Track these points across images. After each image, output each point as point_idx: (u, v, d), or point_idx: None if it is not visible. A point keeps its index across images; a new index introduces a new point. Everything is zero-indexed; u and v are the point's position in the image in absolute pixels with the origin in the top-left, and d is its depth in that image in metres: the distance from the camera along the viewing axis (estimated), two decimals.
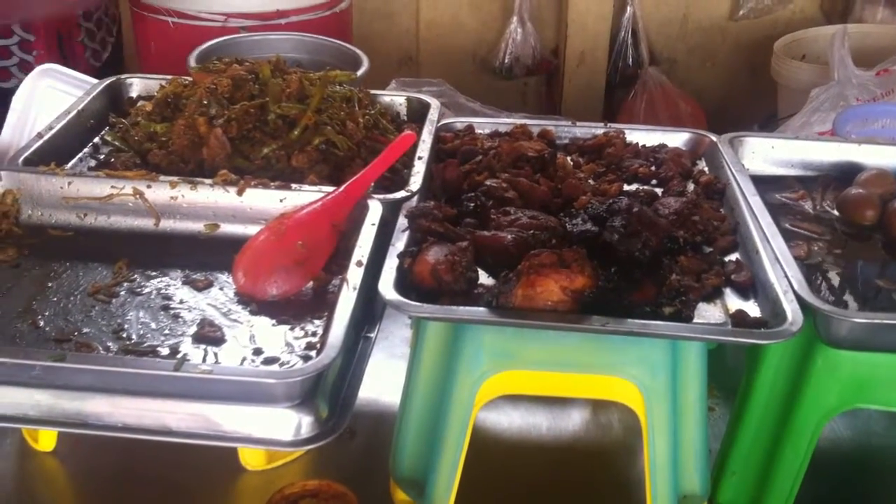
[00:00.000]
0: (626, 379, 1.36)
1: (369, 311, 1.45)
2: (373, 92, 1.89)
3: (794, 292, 1.31)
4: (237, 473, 1.56)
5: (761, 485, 1.48)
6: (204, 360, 1.26)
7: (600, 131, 1.85)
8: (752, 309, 1.37)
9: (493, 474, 1.59)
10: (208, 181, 1.55)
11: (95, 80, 1.97)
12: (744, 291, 1.41)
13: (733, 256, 1.49)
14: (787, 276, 1.35)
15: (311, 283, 1.41)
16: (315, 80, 1.72)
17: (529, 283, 1.28)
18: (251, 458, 1.56)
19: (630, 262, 1.34)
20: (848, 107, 2.68)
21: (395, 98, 1.91)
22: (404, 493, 1.47)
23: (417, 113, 1.87)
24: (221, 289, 1.42)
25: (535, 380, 1.40)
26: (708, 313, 1.37)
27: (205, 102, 1.66)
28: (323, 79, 1.73)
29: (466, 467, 1.41)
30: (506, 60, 3.69)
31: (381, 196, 1.52)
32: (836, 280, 1.47)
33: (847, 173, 1.76)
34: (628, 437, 1.66)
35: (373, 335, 1.42)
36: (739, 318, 1.33)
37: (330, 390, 1.26)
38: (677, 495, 1.44)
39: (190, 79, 1.81)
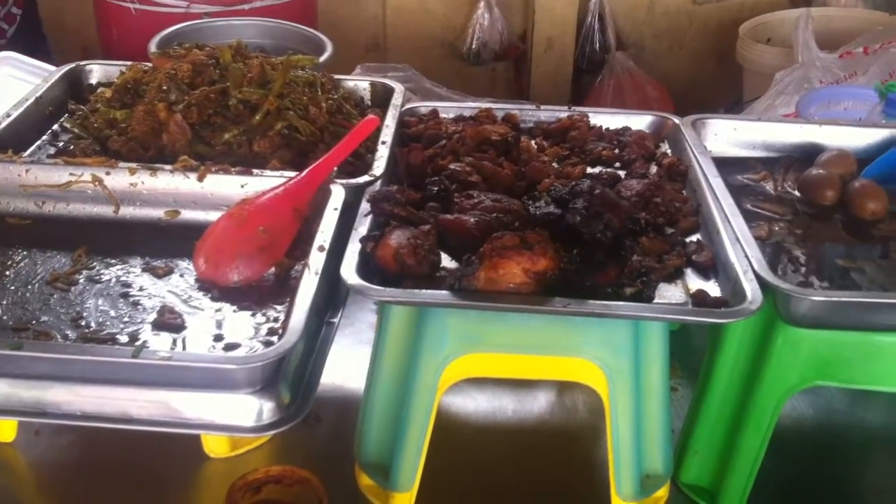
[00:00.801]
0: (589, 360, 1.36)
1: (333, 296, 1.44)
2: (336, 77, 1.88)
3: (754, 272, 1.32)
4: (201, 461, 1.56)
5: (723, 463, 1.49)
6: (166, 347, 1.25)
7: (564, 115, 1.85)
8: (713, 289, 1.38)
9: (459, 458, 1.59)
10: (168, 167, 1.54)
11: (54, 68, 1.95)
12: (705, 272, 1.42)
13: (695, 237, 1.50)
14: (746, 256, 1.36)
15: (273, 269, 1.40)
16: (277, 64, 1.71)
17: (492, 266, 1.28)
18: (215, 446, 1.55)
19: (592, 244, 1.34)
20: (811, 89, 2.70)
21: (358, 83, 1.90)
22: (369, 477, 1.47)
23: (382, 98, 1.87)
24: (182, 276, 1.41)
25: (498, 362, 1.40)
26: (669, 294, 1.38)
27: (165, 88, 1.65)
28: (285, 63, 1.71)
29: (432, 451, 1.41)
30: (473, 46, 3.68)
31: (343, 181, 1.51)
32: (796, 259, 1.48)
33: (808, 154, 1.77)
34: (593, 418, 1.66)
35: (336, 320, 1.42)
36: (700, 298, 1.34)
37: (292, 376, 1.26)
38: (640, 475, 1.45)
39: (150, 65, 1.79)
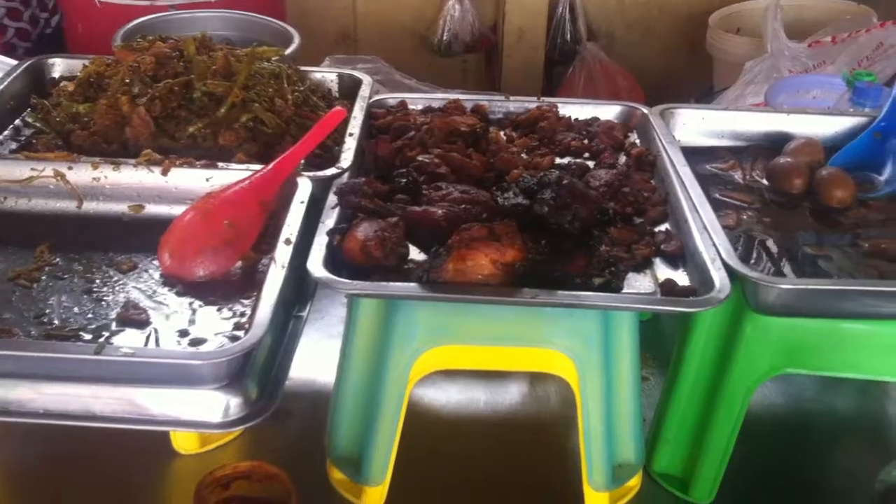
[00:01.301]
0: (559, 351, 1.36)
1: (301, 290, 1.43)
2: (304, 69, 1.86)
3: (722, 260, 1.32)
4: (170, 457, 1.54)
5: (695, 451, 1.50)
6: (130, 343, 1.24)
7: (533, 105, 1.84)
8: (682, 278, 1.38)
9: (432, 450, 1.59)
10: (131, 161, 1.52)
11: (15, 62, 1.92)
12: (673, 261, 1.42)
13: (663, 227, 1.50)
14: (715, 245, 1.36)
15: (239, 263, 1.39)
16: (242, 56, 1.69)
17: (460, 257, 1.28)
18: (184, 442, 1.54)
19: (561, 235, 1.34)
20: (780, 78, 2.70)
21: (326, 75, 1.88)
22: (341, 471, 1.46)
23: (349, 90, 1.85)
24: (147, 271, 1.39)
25: (468, 354, 1.40)
26: (638, 283, 1.38)
27: (127, 81, 1.62)
28: (250, 55, 1.69)
29: (404, 444, 1.41)
30: (444, 37, 3.66)
31: (310, 173, 1.50)
32: (764, 248, 1.49)
33: (777, 143, 1.78)
34: (565, 408, 1.66)
35: (304, 314, 1.41)
36: (668, 287, 1.34)
37: (259, 370, 1.24)
38: (612, 464, 1.45)
39: (114, 58, 1.76)
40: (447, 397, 1.71)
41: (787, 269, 1.44)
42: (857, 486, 1.40)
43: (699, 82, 3.66)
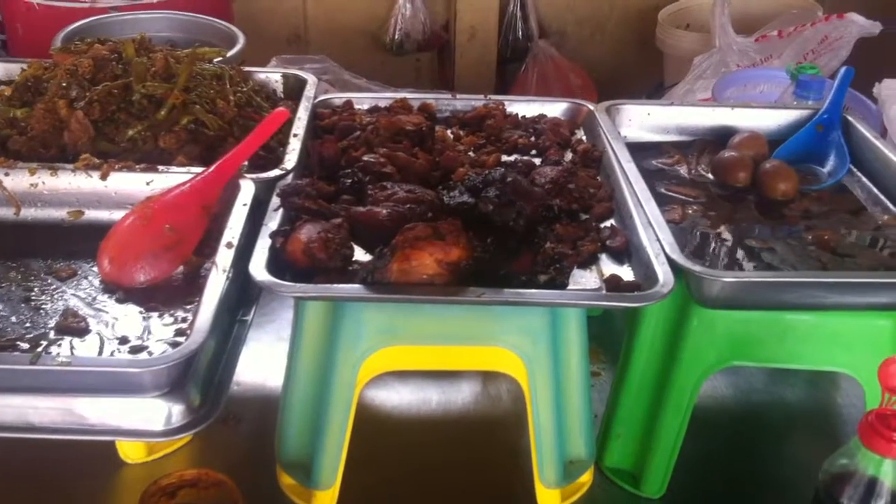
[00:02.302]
0: (508, 349, 1.36)
1: (245, 293, 1.41)
2: (247, 69, 1.83)
3: (666, 255, 1.33)
4: (117, 467, 1.51)
5: (645, 445, 1.50)
6: (69, 352, 1.21)
7: (480, 103, 1.84)
8: (627, 273, 1.38)
9: (383, 452, 1.58)
10: (69, 166, 1.49)
11: None
12: (619, 256, 1.42)
13: (609, 223, 1.50)
14: (659, 240, 1.36)
15: (181, 268, 1.37)
16: (182, 57, 1.66)
17: (404, 257, 1.27)
18: (130, 451, 1.51)
19: (506, 232, 1.34)
20: (727, 73, 2.73)
21: (270, 75, 1.86)
22: (290, 476, 1.44)
23: (294, 90, 1.83)
24: (86, 277, 1.36)
25: (417, 355, 1.39)
26: (584, 279, 1.38)
27: (65, 85, 1.59)
28: (190, 56, 1.67)
29: (355, 447, 1.39)
30: (396, 37, 3.65)
31: (254, 175, 1.48)
32: (709, 241, 1.50)
33: (722, 137, 1.79)
34: (517, 406, 1.66)
35: (249, 318, 1.38)
36: (613, 283, 1.34)
37: (202, 376, 1.22)
38: (564, 461, 1.45)
39: (51, 61, 1.73)
40: (399, 398, 1.70)
41: (731, 262, 1.45)
42: (806, 475, 1.40)
43: (650, 78, 3.69)
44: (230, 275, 1.28)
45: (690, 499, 1.51)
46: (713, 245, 1.49)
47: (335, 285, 1.27)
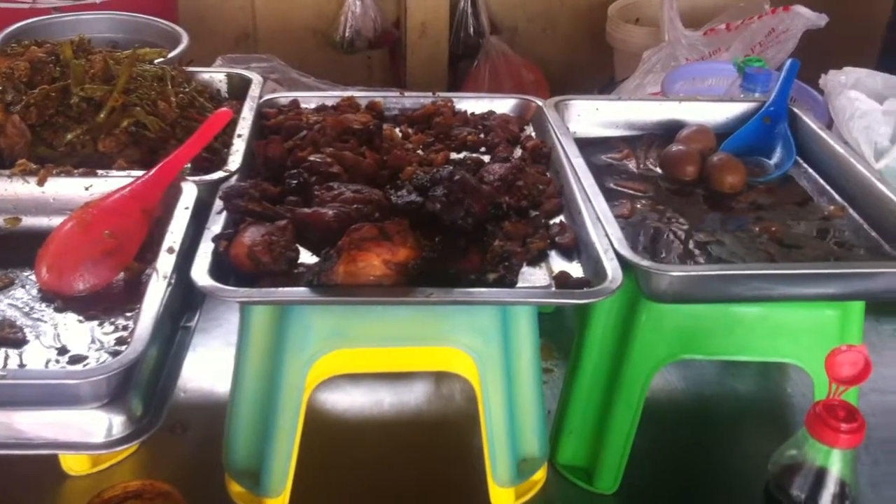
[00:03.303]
0: (458, 348, 1.34)
1: (189, 299, 1.38)
2: (191, 69, 1.80)
3: (614, 250, 1.32)
4: (59, 479, 1.47)
5: (597, 441, 1.50)
6: (4, 364, 1.17)
7: (429, 101, 1.83)
8: (576, 269, 1.37)
9: (335, 455, 1.56)
10: (6, 172, 1.45)
11: None
12: (568, 253, 1.41)
13: (559, 219, 1.49)
14: (607, 235, 1.36)
15: (122, 275, 1.33)
16: (122, 59, 1.63)
17: (351, 259, 1.25)
18: (73, 463, 1.47)
19: (454, 231, 1.32)
20: (676, 67, 2.74)
21: (214, 75, 1.83)
22: (239, 485, 1.42)
23: (239, 90, 1.80)
24: (24, 286, 1.32)
25: (366, 357, 1.37)
26: (534, 277, 1.37)
27: (0, 88, 1.54)
28: (130, 57, 1.63)
29: (305, 452, 1.37)
30: (346, 34, 3.63)
31: (196, 178, 1.45)
32: (658, 236, 1.49)
33: (670, 131, 1.79)
34: (470, 406, 1.64)
35: (192, 324, 1.36)
36: (562, 280, 1.33)
37: (144, 386, 1.19)
38: (517, 460, 1.44)
39: None
40: (351, 400, 1.68)
41: (679, 255, 1.45)
42: (758, 466, 1.41)
43: (602, 73, 3.70)
44: (172, 280, 1.25)
45: (644, 493, 1.51)
46: (662, 239, 1.49)
47: (280, 289, 1.24)
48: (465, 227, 1.33)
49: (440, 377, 1.73)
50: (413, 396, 1.70)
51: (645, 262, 1.31)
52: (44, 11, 2.39)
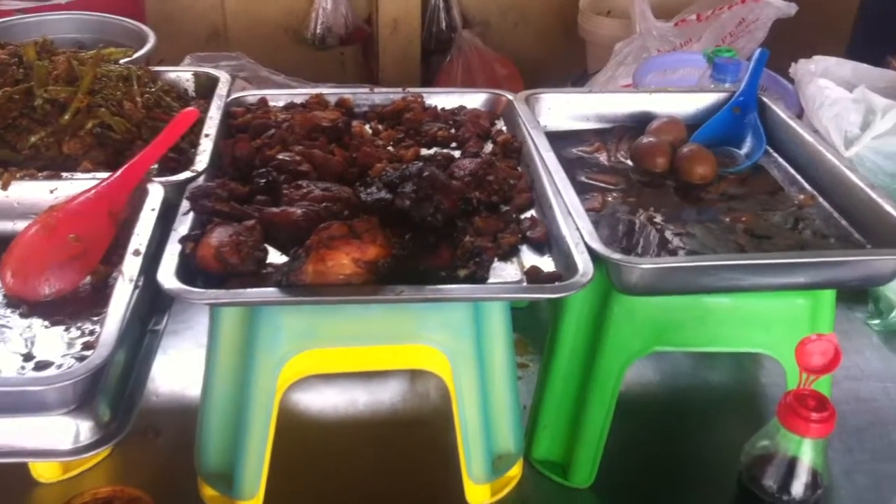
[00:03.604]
0: (431, 346, 1.34)
1: (157, 301, 1.36)
2: (157, 69, 1.78)
3: (585, 244, 1.32)
4: (30, 487, 1.45)
5: (572, 435, 1.50)
6: None
7: (399, 97, 1.82)
8: (548, 264, 1.37)
9: (310, 456, 1.55)
10: None
11: None
12: (539, 247, 1.41)
13: (530, 213, 1.49)
14: (578, 229, 1.35)
15: (88, 279, 1.32)
16: (86, 59, 1.60)
17: (319, 258, 1.23)
18: (44, 470, 1.46)
19: (424, 228, 1.31)
20: (647, 59, 2.74)
21: (181, 74, 1.81)
22: (212, 488, 1.41)
23: (207, 88, 1.78)
24: None
25: (339, 356, 1.36)
26: (505, 272, 1.37)
27: None
28: (95, 58, 1.61)
29: (280, 453, 1.36)
30: (318, 31, 3.60)
31: (162, 179, 1.43)
32: (629, 228, 1.49)
33: (641, 123, 1.79)
34: (445, 403, 1.63)
35: (161, 327, 1.34)
36: (533, 274, 1.33)
37: (112, 391, 1.18)
38: (492, 456, 1.44)
39: None
40: (324, 400, 1.66)
41: (650, 248, 1.44)
42: (733, 456, 1.41)
43: (575, 66, 3.70)
44: (139, 283, 1.24)
45: (619, 486, 1.51)
46: (633, 232, 1.49)
47: (248, 290, 1.23)
48: (435, 224, 1.31)
49: (415, 375, 1.72)
50: (388, 395, 1.69)
51: (615, 256, 1.30)
52: (7, 13, 2.35)
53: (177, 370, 1.67)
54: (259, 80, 2.73)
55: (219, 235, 1.28)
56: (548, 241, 1.41)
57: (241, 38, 3.65)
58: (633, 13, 3.10)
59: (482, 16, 3.87)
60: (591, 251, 1.31)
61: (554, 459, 1.53)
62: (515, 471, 1.49)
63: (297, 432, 1.57)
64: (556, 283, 1.29)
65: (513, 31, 3.92)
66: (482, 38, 3.79)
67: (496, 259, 1.37)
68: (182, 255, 1.28)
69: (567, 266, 1.31)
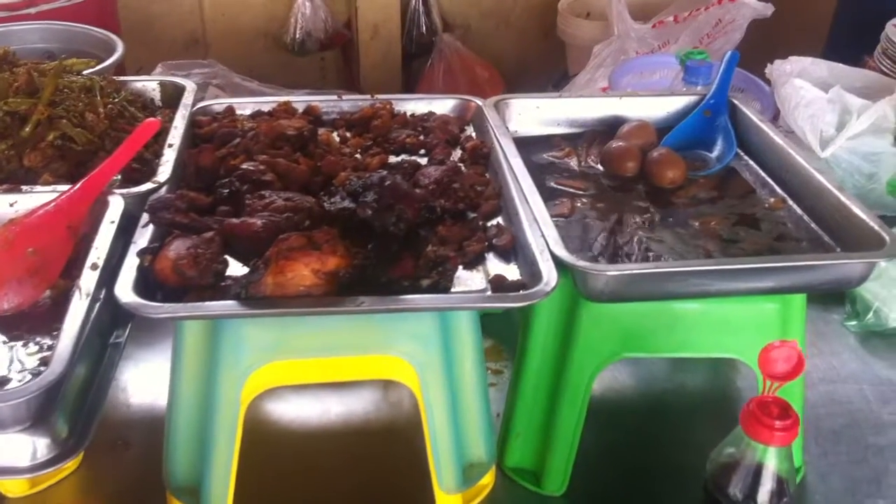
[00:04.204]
0: (397, 356, 1.32)
1: (119, 315, 1.35)
2: (122, 78, 1.76)
3: (550, 251, 1.31)
4: None
5: (545, 442, 1.48)
6: None
7: (367, 104, 1.80)
8: (513, 271, 1.36)
9: (281, 468, 1.53)
10: None
11: None
12: (506, 255, 1.39)
13: (497, 220, 1.48)
14: (543, 236, 1.34)
15: (48, 293, 1.30)
16: (48, 70, 1.59)
17: (279, 270, 1.22)
18: (11, 485, 1.44)
19: (387, 237, 1.30)
20: (623, 61, 2.74)
21: (147, 83, 1.79)
22: (180, 502, 1.39)
23: (173, 98, 1.76)
24: None
25: (304, 368, 1.34)
26: (471, 280, 1.35)
27: None
28: (56, 68, 1.59)
29: (250, 465, 1.34)
30: (297, 36, 3.59)
31: (123, 190, 1.41)
32: (598, 234, 1.48)
33: (612, 127, 1.78)
34: (418, 412, 1.63)
35: (122, 340, 1.33)
36: (498, 283, 1.31)
37: (70, 406, 1.17)
38: (463, 465, 1.42)
39: None
40: (296, 411, 1.65)
41: (618, 254, 1.43)
42: (706, 462, 1.40)
43: (556, 68, 3.70)
44: (99, 297, 1.22)
45: (592, 493, 1.50)
46: (602, 238, 1.48)
47: (207, 303, 1.22)
48: (397, 233, 1.30)
49: (388, 384, 1.71)
50: (360, 405, 1.67)
51: (581, 263, 1.29)
52: None
53: (148, 381, 1.66)
54: (232, 88, 2.71)
55: (177, 248, 1.27)
56: (514, 249, 1.40)
57: (219, 44, 3.63)
58: (610, 15, 3.09)
59: (463, 19, 3.86)
60: (556, 259, 1.29)
61: (527, 467, 1.52)
62: (488, 479, 1.48)
63: (268, 443, 1.55)
64: (521, 292, 1.27)
65: (494, 34, 3.92)
66: (463, 42, 3.78)
67: (461, 267, 1.36)
68: (141, 268, 1.26)
69: (532, 274, 1.30)
